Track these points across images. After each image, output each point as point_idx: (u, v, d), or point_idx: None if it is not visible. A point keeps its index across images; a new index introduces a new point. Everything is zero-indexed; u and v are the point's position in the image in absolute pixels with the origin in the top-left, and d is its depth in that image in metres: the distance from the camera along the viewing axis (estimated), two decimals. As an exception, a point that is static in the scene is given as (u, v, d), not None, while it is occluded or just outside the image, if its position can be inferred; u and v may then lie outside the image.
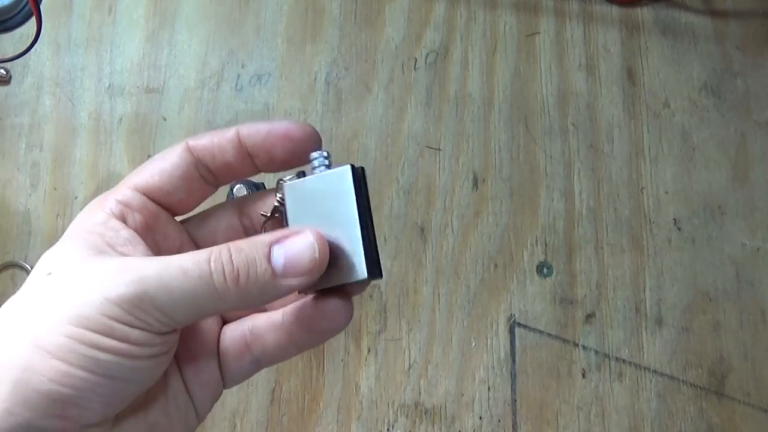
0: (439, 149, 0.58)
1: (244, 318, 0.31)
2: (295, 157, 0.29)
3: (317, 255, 0.26)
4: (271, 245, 0.26)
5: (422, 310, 0.55)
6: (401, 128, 0.59)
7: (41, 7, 0.49)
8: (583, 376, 0.54)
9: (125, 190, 0.28)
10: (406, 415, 0.53)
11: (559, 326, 0.55)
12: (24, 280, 0.60)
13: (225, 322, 0.31)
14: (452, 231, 0.57)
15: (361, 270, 0.27)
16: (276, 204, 0.29)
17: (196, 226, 0.31)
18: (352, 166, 0.27)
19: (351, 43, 0.61)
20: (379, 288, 0.55)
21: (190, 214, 0.31)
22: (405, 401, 0.54)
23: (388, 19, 0.61)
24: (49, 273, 0.25)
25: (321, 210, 0.27)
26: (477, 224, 0.57)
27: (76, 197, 0.57)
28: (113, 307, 0.23)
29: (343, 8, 0.61)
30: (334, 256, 0.27)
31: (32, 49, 0.50)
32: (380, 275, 0.27)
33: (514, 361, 0.54)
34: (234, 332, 0.30)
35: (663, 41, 0.61)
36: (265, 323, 0.30)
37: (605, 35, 0.61)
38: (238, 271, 0.25)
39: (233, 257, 0.25)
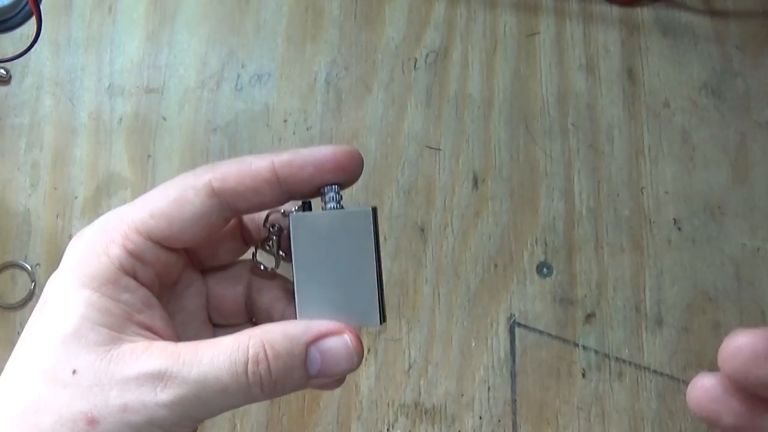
0: (439, 149, 0.58)
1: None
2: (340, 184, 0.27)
3: (354, 360, 0.26)
4: (308, 346, 0.25)
5: (422, 310, 0.55)
6: (401, 128, 0.59)
7: (41, 7, 0.49)
8: (583, 376, 0.54)
9: (135, 236, 0.25)
10: (406, 415, 0.53)
11: (559, 326, 0.55)
12: (24, 280, 0.59)
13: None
14: (452, 231, 0.57)
15: (374, 317, 0.26)
16: (270, 230, 0.28)
17: (212, 276, 0.30)
18: (374, 209, 0.26)
19: (351, 43, 0.61)
20: (379, 288, 0.55)
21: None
22: (405, 401, 0.54)
23: (388, 19, 0.61)
24: (74, 371, 0.24)
25: (333, 249, 0.26)
26: (477, 224, 0.57)
27: (76, 197, 0.57)
28: (156, 429, 0.24)
29: (343, 8, 0.61)
30: (345, 298, 0.26)
31: (32, 49, 0.50)
32: (385, 320, 0.27)
33: (514, 361, 0.54)
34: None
35: (663, 41, 0.60)
36: None
37: (605, 35, 0.61)
38: (275, 382, 0.24)
39: (271, 367, 0.24)
